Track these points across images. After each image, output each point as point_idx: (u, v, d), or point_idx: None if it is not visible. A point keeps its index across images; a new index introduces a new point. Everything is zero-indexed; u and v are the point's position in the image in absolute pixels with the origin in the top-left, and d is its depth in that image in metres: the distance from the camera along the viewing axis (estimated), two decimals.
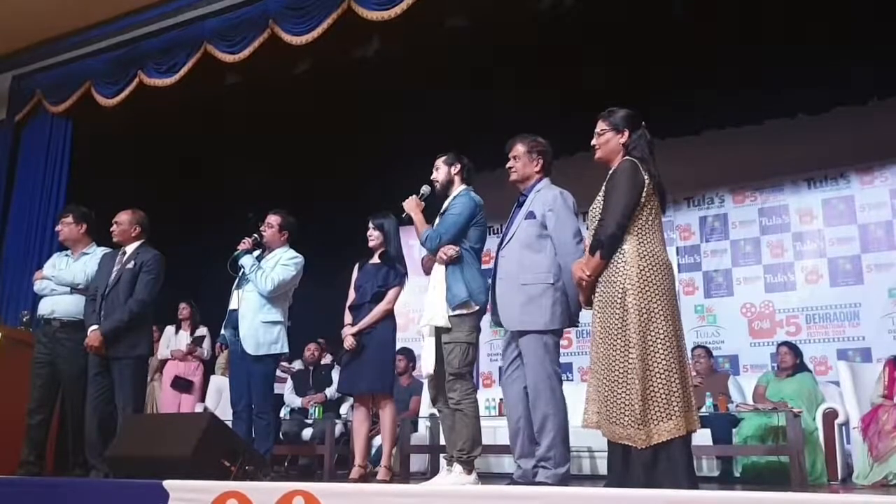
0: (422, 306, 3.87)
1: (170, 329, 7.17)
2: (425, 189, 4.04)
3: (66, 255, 4.89)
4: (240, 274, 4.67)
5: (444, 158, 4.03)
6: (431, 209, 4.03)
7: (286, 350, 4.66)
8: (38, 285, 4.80)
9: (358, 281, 4.62)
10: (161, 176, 6.94)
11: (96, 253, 4.82)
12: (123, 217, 4.66)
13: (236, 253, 4.66)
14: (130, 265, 4.51)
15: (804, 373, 5.83)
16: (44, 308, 4.73)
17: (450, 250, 3.75)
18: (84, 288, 4.69)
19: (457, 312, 3.69)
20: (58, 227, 4.89)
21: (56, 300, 4.69)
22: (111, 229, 4.68)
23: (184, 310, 7.17)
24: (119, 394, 4.40)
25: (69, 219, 4.85)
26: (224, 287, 4.82)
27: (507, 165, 3.76)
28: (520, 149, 3.72)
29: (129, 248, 4.61)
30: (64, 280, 4.70)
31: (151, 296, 4.51)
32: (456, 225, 3.81)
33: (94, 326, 4.41)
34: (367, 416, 4.55)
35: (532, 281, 3.54)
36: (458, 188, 3.97)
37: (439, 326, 3.71)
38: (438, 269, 3.80)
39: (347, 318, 4.59)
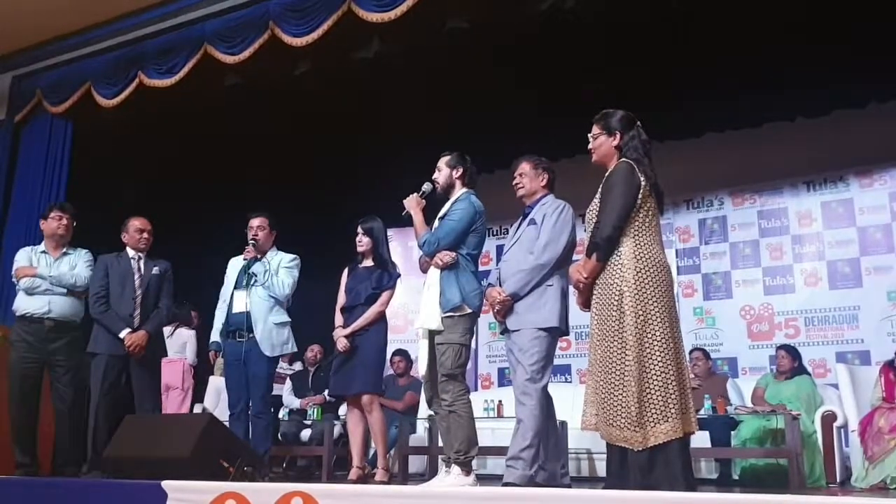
0: (419, 307, 3.89)
1: None
2: (426, 187, 4.04)
3: (44, 253, 4.82)
4: (236, 278, 4.70)
5: (446, 159, 4.02)
6: (432, 208, 4.04)
7: (295, 349, 4.82)
8: (28, 282, 4.67)
9: (349, 284, 4.63)
10: (160, 177, 6.94)
11: (79, 253, 4.86)
12: (150, 226, 4.81)
13: (246, 261, 4.70)
14: (155, 271, 4.72)
15: (803, 375, 5.83)
16: (34, 305, 4.65)
17: (446, 257, 3.77)
18: (82, 290, 4.71)
19: (449, 314, 3.71)
20: (58, 221, 4.81)
21: (53, 299, 4.67)
22: (142, 236, 4.74)
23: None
24: (141, 394, 4.55)
25: (69, 215, 4.86)
26: (219, 286, 4.85)
27: (514, 183, 3.89)
28: (526, 167, 3.87)
29: (144, 255, 4.76)
30: (65, 281, 4.69)
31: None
32: (454, 231, 3.83)
33: (127, 330, 4.50)
34: (362, 418, 4.55)
35: None
36: (460, 192, 3.98)
37: (432, 329, 3.73)
38: (434, 271, 3.82)
39: (339, 320, 4.60)
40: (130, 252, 4.74)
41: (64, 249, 4.85)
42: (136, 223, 4.77)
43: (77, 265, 4.78)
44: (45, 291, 4.68)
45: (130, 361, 4.54)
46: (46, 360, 4.66)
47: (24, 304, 4.69)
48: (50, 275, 4.70)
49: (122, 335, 4.49)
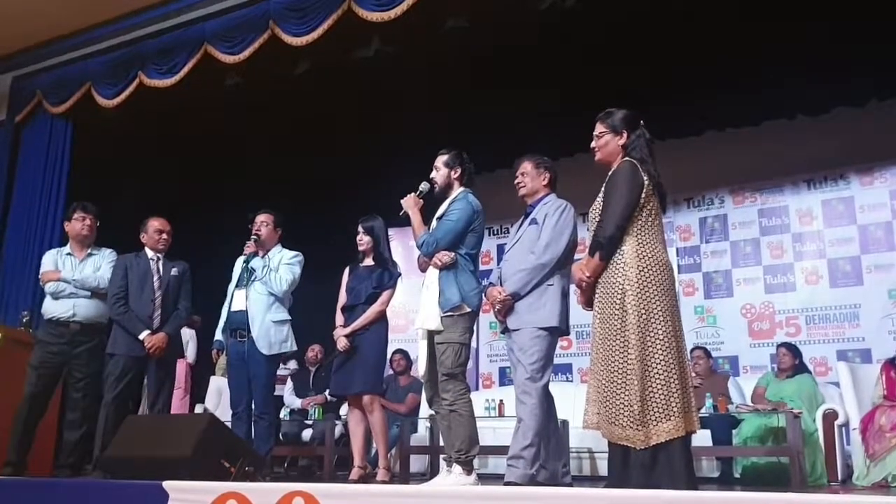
0: (419, 307, 3.89)
1: None
2: (424, 186, 4.02)
3: (70, 255, 4.81)
4: (238, 275, 4.69)
5: (444, 159, 4.00)
6: (430, 206, 4.04)
7: (295, 347, 4.75)
8: (54, 286, 4.67)
9: (350, 283, 4.63)
10: (161, 177, 6.94)
11: (104, 254, 4.85)
12: (169, 227, 4.79)
13: (246, 256, 4.68)
14: (174, 272, 4.70)
15: (804, 374, 5.83)
16: (59, 309, 4.65)
17: (445, 257, 3.77)
18: (107, 291, 4.70)
19: (449, 313, 3.71)
20: (81, 222, 4.80)
21: (78, 302, 4.66)
22: (161, 237, 4.73)
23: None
24: (155, 395, 4.56)
25: (92, 215, 4.84)
26: (220, 286, 4.85)
27: (516, 182, 3.90)
28: (528, 165, 3.88)
29: (162, 255, 4.75)
30: (89, 284, 4.68)
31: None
32: (453, 231, 3.82)
33: (147, 332, 4.49)
34: (363, 417, 4.54)
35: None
36: (457, 191, 3.96)
37: (431, 330, 3.73)
38: (432, 271, 3.83)
39: (339, 319, 4.60)
40: (149, 253, 4.72)
41: (88, 250, 4.83)
42: (155, 224, 4.75)
43: (101, 266, 4.77)
44: (70, 295, 4.66)
45: (147, 362, 4.54)
46: (67, 363, 4.64)
47: (50, 308, 4.70)
48: (74, 278, 4.68)
49: (141, 336, 4.48)
